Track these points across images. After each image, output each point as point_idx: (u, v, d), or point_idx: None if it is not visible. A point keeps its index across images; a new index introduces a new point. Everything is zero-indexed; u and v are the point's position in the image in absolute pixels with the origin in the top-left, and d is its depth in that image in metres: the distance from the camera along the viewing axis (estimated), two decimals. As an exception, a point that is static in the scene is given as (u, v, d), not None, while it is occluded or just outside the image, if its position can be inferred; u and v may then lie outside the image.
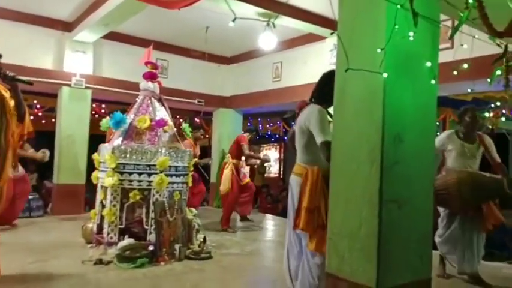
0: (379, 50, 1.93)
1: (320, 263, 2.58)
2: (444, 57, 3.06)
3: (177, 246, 4.37)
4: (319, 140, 2.59)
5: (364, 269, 2.05)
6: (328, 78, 2.76)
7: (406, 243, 2.15)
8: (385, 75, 1.94)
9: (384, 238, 2.01)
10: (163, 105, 5.06)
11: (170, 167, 4.56)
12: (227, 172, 6.35)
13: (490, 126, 7.65)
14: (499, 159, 4.07)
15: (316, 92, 2.91)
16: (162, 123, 4.73)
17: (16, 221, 5.96)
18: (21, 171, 5.97)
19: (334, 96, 2.31)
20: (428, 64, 2.14)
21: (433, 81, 2.20)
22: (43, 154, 6.13)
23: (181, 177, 4.76)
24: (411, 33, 1.99)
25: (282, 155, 13.66)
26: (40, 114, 8.81)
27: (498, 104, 6.31)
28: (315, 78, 7.73)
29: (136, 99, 5.09)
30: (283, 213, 9.20)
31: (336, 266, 2.20)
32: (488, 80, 2.56)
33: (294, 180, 2.82)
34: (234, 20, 2.23)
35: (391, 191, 2.04)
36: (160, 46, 7.83)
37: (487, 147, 4.09)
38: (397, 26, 1.93)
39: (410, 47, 2.08)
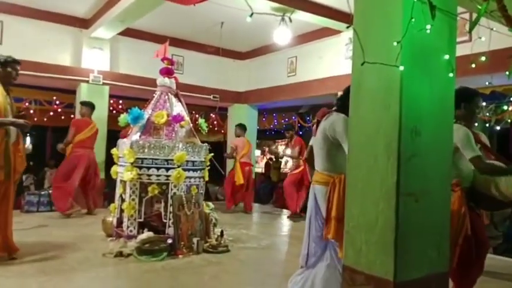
0: (395, 43, 1.93)
1: None
2: (462, 50, 3.03)
3: (195, 240, 4.44)
4: (347, 148, 2.59)
5: (381, 261, 2.06)
6: None
7: (423, 236, 2.16)
8: (401, 68, 1.94)
9: (401, 231, 2.02)
10: (179, 100, 5.13)
11: (187, 161, 4.63)
12: None
13: (509, 120, 7.51)
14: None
15: (341, 100, 2.89)
16: (179, 119, 4.79)
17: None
18: None
19: (350, 89, 2.31)
20: (446, 57, 2.13)
21: (450, 75, 2.19)
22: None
23: (198, 171, 4.82)
24: (428, 26, 1.98)
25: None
26: (59, 110, 8.98)
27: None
28: (330, 72, 7.76)
29: (154, 94, 5.17)
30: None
31: (353, 258, 2.22)
32: (507, 73, 2.54)
33: (319, 190, 2.82)
34: (251, 15, 2.25)
35: (408, 184, 2.04)
36: (176, 42, 7.90)
37: (484, 144, 4.31)
38: (413, 19, 1.92)
39: (427, 40, 2.07)
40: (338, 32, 6.75)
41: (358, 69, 2.18)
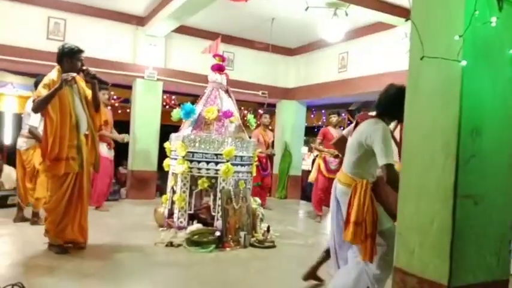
0: (457, 37, 1.84)
1: (375, 271, 2.71)
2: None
3: (242, 234, 4.50)
4: (382, 161, 2.59)
5: (435, 265, 1.99)
6: (402, 95, 2.76)
7: (482, 241, 2.05)
8: (463, 63, 1.85)
9: (458, 234, 1.94)
10: (230, 96, 5.20)
11: (236, 156, 4.69)
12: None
13: None
14: None
15: (384, 106, 2.85)
16: (228, 114, 4.87)
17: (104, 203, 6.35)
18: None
19: (407, 86, 2.23)
20: (512, 52, 2.00)
21: (517, 71, 2.06)
22: (123, 136, 6.52)
23: (246, 166, 4.87)
24: (493, 19, 1.87)
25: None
26: (117, 104, 9.37)
27: None
28: (383, 68, 7.51)
29: (205, 90, 5.28)
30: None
31: (405, 261, 2.15)
32: None
33: (341, 190, 2.88)
34: (306, 9, 2.24)
35: (467, 186, 1.95)
36: (227, 39, 8.00)
37: None
38: (477, 12, 1.82)
39: (491, 34, 1.96)
40: (392, 26, 6.54)
41: (415, 64, 2.10)
